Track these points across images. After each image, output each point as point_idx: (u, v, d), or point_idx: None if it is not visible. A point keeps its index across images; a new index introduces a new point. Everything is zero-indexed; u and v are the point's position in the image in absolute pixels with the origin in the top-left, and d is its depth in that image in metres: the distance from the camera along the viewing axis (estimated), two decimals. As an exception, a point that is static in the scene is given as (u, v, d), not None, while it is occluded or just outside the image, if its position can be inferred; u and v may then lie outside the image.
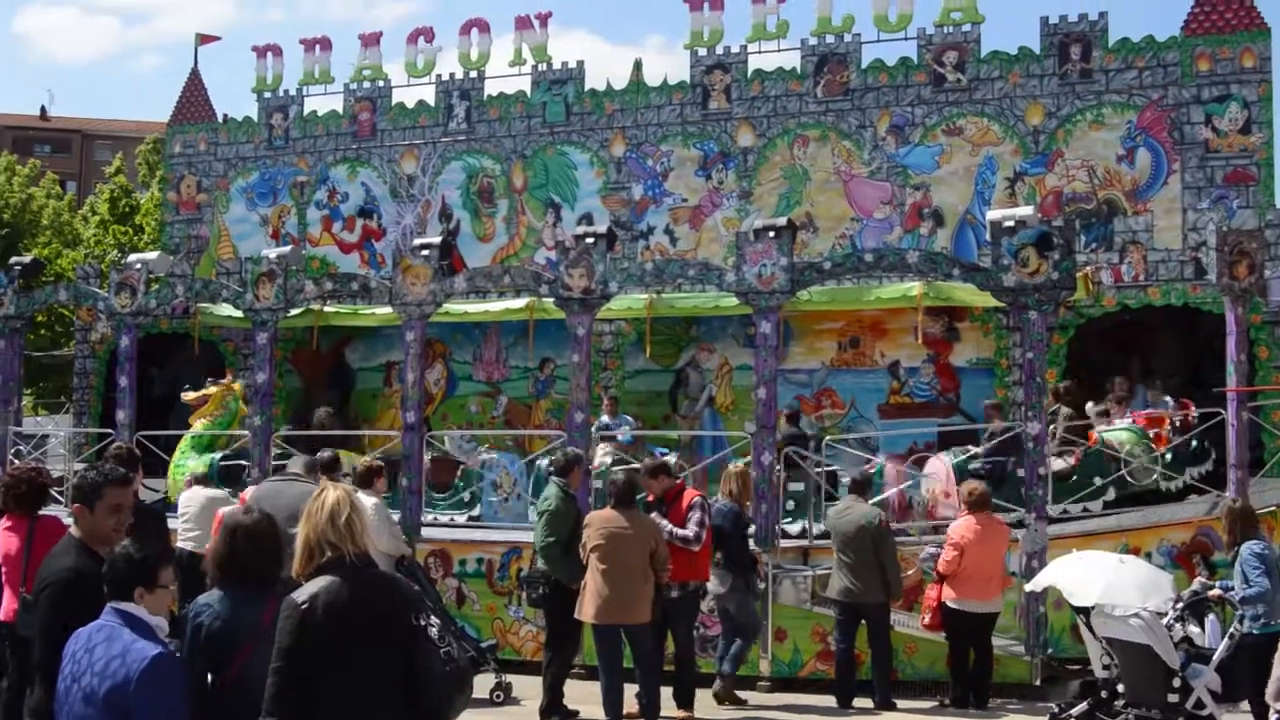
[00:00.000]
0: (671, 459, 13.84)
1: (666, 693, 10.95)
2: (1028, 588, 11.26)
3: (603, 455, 16.15)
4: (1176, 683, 8.79)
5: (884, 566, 11.64)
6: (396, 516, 11.49)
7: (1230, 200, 17.67)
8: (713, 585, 11.67)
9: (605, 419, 17.74)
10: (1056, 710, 9.86)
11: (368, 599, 5.14)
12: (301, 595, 5.10)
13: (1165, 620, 8.95)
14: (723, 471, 12.34)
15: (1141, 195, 18.17)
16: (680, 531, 11.04)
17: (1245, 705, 9.47)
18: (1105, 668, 9.59)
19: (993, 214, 13.37)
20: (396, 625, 5.15)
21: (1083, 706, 9.66)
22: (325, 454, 11.50)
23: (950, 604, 11.60)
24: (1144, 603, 8.78)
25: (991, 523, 11.83)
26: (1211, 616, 10.21)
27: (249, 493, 9.36)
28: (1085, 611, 9.61)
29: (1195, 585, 10.03)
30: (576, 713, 11.00)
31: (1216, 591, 9.88)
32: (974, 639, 11.70)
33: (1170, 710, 8.75)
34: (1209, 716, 8.91)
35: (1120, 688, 9.49)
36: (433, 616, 5.23)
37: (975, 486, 12.15)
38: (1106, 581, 8.98)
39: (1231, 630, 9.26)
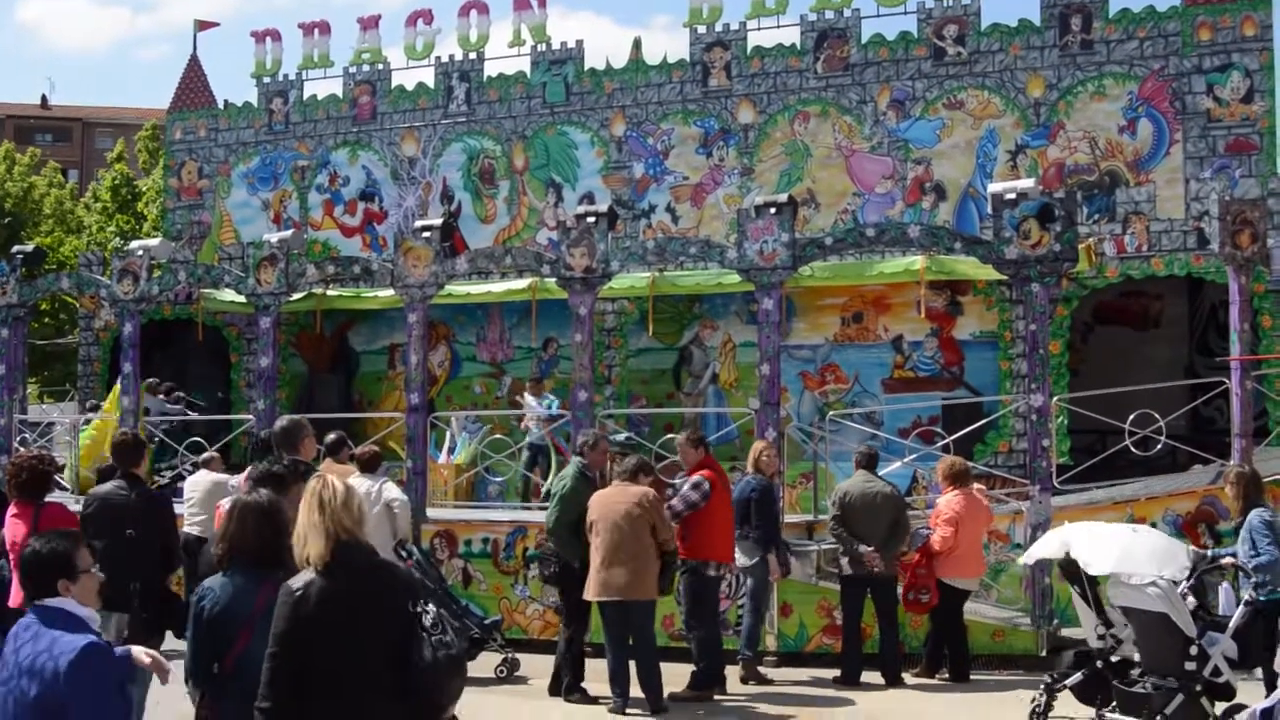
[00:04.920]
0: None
1: (678, 671, 10.99)
2: (1021, 561, 11.27)
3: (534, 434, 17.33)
4: (1194, 651, 8.81)
5: (899, 538, 11.72)
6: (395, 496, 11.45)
7: (1233, 170, 17.61)
8: (738, 559, 11.70)
9: (530, 400, 18.02)
10: (1051, 680, 9.89)
11: (363, 587, 5.16)
12: (297, 582, 5.14)
13: (1180, 589, 8.96)
14: (752, 447, 12.37)
15: (1143, 166, 18.12)
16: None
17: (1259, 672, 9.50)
18: (1100, 638, 9.62)
19: (994, 187, 13.33)
20: (391, 613, 5.16)
21: (1078, 677, 9.70)
22: (332, 436, 11.52)
23: (946, 581, 11.64)
24: (1160, 571, 8.78)
25: (974, 497, 11.89)
26: (1225, 584, 10.23)
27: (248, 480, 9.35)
28: (1081, 581, 9.65)
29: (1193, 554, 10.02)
30: (596, 699, 10.99)
31: (1229, 559, 9.89)
32: (955, 613, 11.80)
33: (1187, 678, 8.76)
34: (1225, 684, 8.92)
35: (1115, 658, 9.55)
36: (429, 604, 5.23)
37: (957, 461, 12.17)
38: (1122, 550, 8.98)
39: (1246, 597, 9.27)
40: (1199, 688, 8.79)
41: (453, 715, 5.45)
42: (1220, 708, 8.87)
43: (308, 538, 5.21)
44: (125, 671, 5.00)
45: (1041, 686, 9.92)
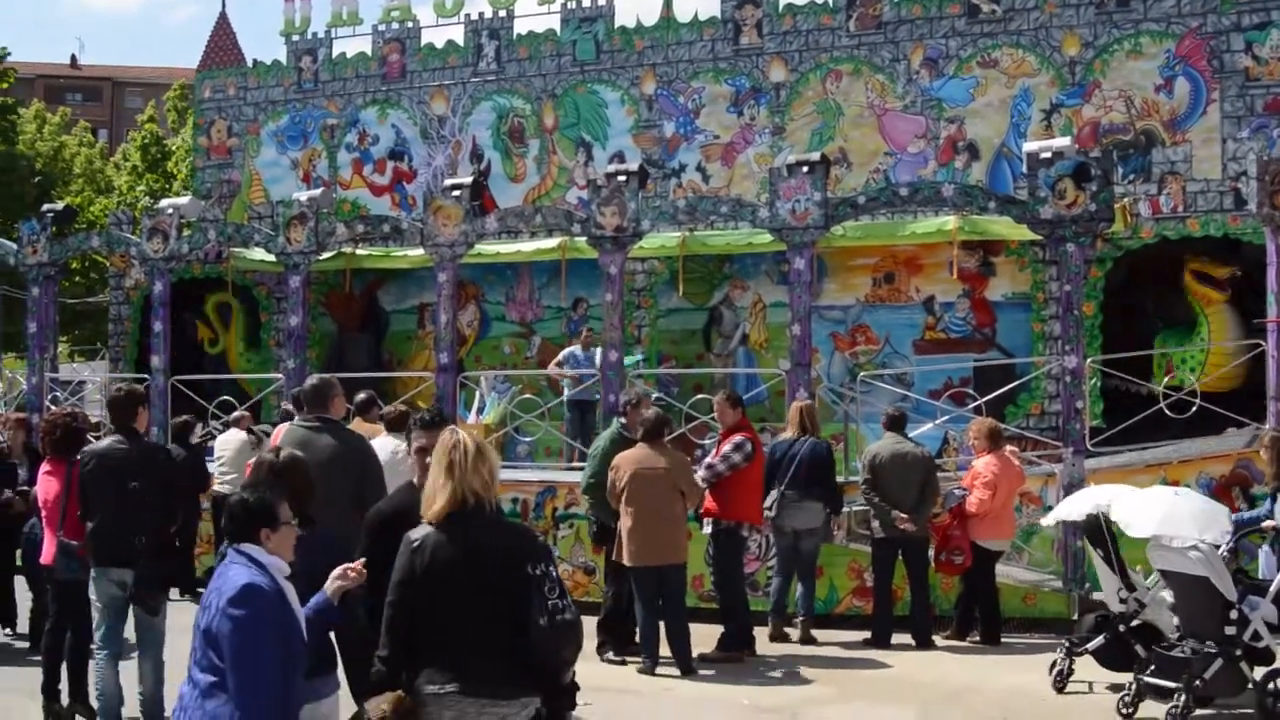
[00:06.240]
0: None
1: (707, 632, 11.00)
2: (1044, 522, 11.22)
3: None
4: (1234, 615, 8.76)
5: (930, 500, 11.70)
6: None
7: (1271, 129, 17.35)
8: (802, 520, 11.70)
9: (578, 351, 17.79)
10: (1071, 644, 9.88)
11: (481, 546, 5.19)
12: (416, 534, 5.25)
13: (1220, 552, 8.91)
14: (794, 408, 12.31)
15: (1180, 125, 17.88)
16: (699, 472, 11.09)
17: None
18: (1122, 601, 9.59)
19: (1029, 146, 13.20)
20: (507, 574, 5.17)
21: (1099, 641, 9.68)
22: (362, 395, 11.53)
23: (980, 543, 11.60)
24: (1201, 535, 8.73)
25: (1007, 459, 11.84)
26: (1265, 548, 10.16)
27: (278, 437, 9.35)
28: (1105, 543, 9.62)
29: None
30: (625, 660, 10.98)
31: (1271, 523, 9.82)
32: (988, 575, 11.80)
33: (1227, 642, 8.72)
34: (1265, 648, 8.88)
35: (1136, 622, 9.54)
36: (552, 568, 5.22)
37: (992, 423, 12.11)
38: (1164, 513, 8.94)
39: None
40: (1238, 652, 8.74)
41: (573, 677, 5.52)
42: (1259, 672, 8.82)
43: (435, 495, 5.27)
44: (292, 620, 5.02)
45: (1062, 649, 9.92)
